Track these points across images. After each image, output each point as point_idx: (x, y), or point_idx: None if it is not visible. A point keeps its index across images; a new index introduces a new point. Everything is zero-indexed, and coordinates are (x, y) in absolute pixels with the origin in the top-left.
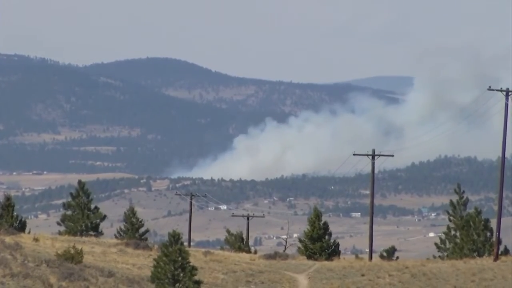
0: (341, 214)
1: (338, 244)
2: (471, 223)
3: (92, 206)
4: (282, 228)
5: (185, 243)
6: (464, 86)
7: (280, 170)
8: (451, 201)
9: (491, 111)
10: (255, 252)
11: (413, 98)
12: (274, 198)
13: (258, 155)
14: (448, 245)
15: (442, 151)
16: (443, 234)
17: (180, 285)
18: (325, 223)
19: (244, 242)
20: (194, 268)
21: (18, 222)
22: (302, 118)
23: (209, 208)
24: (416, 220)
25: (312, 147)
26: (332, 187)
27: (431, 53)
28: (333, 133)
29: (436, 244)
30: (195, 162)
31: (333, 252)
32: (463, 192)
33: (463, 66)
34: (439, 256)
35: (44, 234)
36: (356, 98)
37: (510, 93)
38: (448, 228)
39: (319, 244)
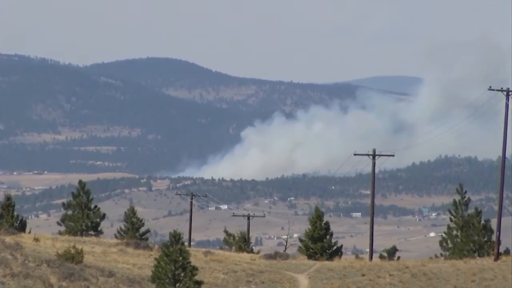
0: (341, 214)
1: (341, 246)
2: (472, 223)
3: (92, 206)
4: (282, 228)
5: (186, 243)
6: (473, 83)
7: (289, 169)
8: (454, 201)
9: (492, 110)
10: (258, 252)
11: (417, 97)
12: (275, 198)
13: (266, 153)
14: (449, 245)
15: (450, 150)
16: (444, 234)
17: (181, 285)
18: (327, 223)
19: (246, 243)
20: (194, 268)
21: (18, 222)
22: (309, 115)
23: (209, 208)
24: (417, 220)
25: (320, 145)
26: (333, 187)
27: (437, 51)
28: (339, 131)
29: (440, 242)
30: (203, 161)
31: (334, 252)
32: (465, 192)
33: (471, 64)
34: (441, 254)
35: (45, 234)
36: (358, 96)
37: (510, 93)
38: (449, 228)
39: (320, 244)
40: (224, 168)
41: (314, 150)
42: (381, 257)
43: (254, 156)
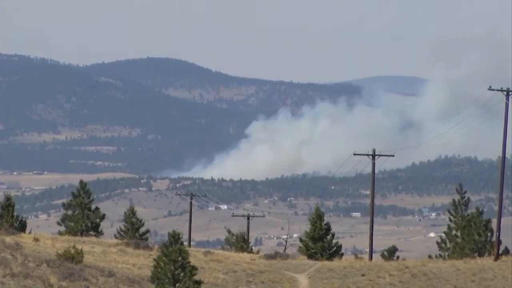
0: (341, 214)
1: (340, 246)
2: (472, 223)
3: (93, 206)
4: (282, 228)
5: (185, 243)
6: (480, 81)
7: (297, 167)
8: (453, 200)
9: (493, 110)
10: (258, 253)
11: (420, 96)
12: (275, 198)
13: (273, 152)
14: (448, 245)
15: (457, 149)
16: (444, 234)
17: (180, 285)
18: (327, 224)
19: (246, 243)
20: (194, 268)
21: (18, 222)
22: (315, 112)
23: (209, 208)
24: (417, 220)
25: (326, 143)
26: (333, 187)
27: (443, 48)
28: (344, 129)
29: (437, 243)
30: (209, 160)
31: (334, 252)
32: (465, 192)
33: (478, 61)
34: (440, 255)
35: (45, 234)
36: (360, 96)
37: (510, 93)
38: (449, 228)
39: (320, 244)
40: (231, 167)
41: (320, 148)
42: (383, 256)
43: (260, 155)
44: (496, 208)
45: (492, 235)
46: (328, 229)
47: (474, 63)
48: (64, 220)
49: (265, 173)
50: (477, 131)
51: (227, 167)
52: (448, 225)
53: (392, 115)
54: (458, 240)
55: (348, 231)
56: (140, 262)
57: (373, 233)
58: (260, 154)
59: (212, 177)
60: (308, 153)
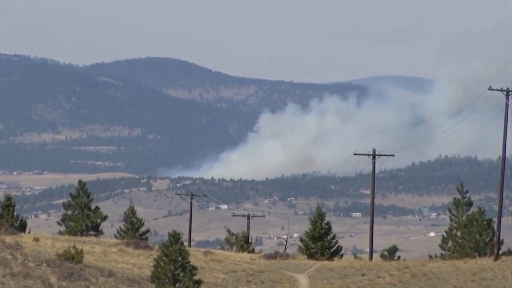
0: (341, 214)
1: (341, 247)
2: (474, 222)
3: (93, 206)
4: (282, 228)
5: (185, 243)
6: (487, 79)
7: (307, 167)
8: (454, 199)
9: (492, 110)
10: (260, 252)
11: (424, 95)
12: (275, 198)
13: (279, 152)
14: (449, 245)
15: (466, 148)
16: (445, 233)
17: (180, 285)
18: (328, 223)
19: (247, 243)
20: (194, 268)
21: (18, 222)
22: (317, 111)
23: (209, 208)
24: (417, 220)
25: (334, 141)
26: (333, 186)
27: (450, 48)
28: (342, 128)
29: (440, 245)
30: (215, 160)
31: (334, 252)
32: (467, 191)
33: (486, 58)
34: (441, 254)
35: (45, 234)
36: (356, 97)
37: (510, 93)
38: (451, 227)
39: (320, 243)
40: (239, 166)
41: (332, 146)
42: (383, 256)
43: (269, 154)
44: (496, 208)
45: (493, 235)
46: (328, 229)
47: (481, 60)
48: (64, 220)
49: (276, 172)
50: (477, 131)
51: (235, 166)
52: (450, 224)
53: (396, 113)
54: (459, 239)
55: (348, 231)
56: (140, 262)
57: (373, 233)
58: (269, 153)
59: (212, 177)
60: (319, 151)
